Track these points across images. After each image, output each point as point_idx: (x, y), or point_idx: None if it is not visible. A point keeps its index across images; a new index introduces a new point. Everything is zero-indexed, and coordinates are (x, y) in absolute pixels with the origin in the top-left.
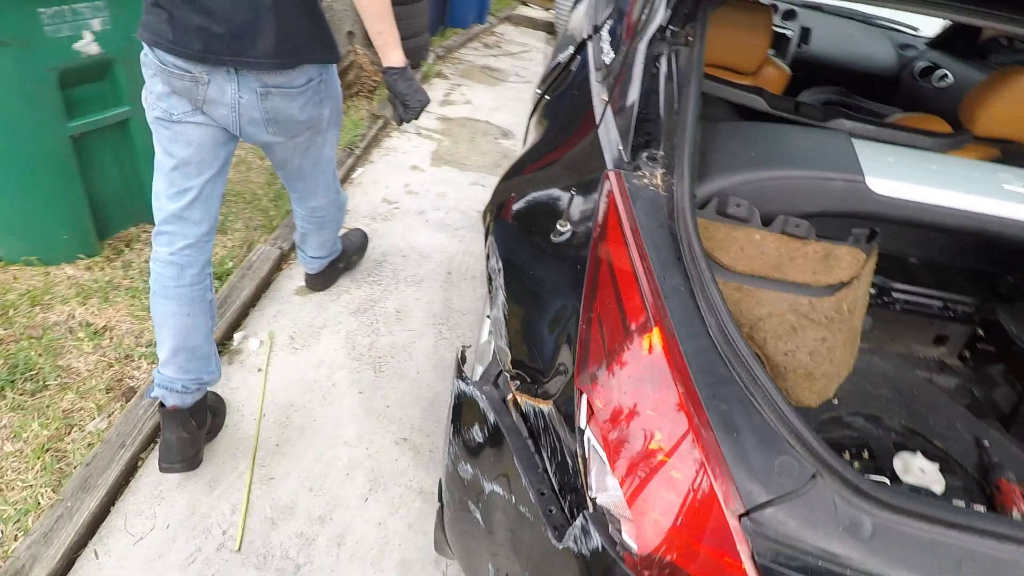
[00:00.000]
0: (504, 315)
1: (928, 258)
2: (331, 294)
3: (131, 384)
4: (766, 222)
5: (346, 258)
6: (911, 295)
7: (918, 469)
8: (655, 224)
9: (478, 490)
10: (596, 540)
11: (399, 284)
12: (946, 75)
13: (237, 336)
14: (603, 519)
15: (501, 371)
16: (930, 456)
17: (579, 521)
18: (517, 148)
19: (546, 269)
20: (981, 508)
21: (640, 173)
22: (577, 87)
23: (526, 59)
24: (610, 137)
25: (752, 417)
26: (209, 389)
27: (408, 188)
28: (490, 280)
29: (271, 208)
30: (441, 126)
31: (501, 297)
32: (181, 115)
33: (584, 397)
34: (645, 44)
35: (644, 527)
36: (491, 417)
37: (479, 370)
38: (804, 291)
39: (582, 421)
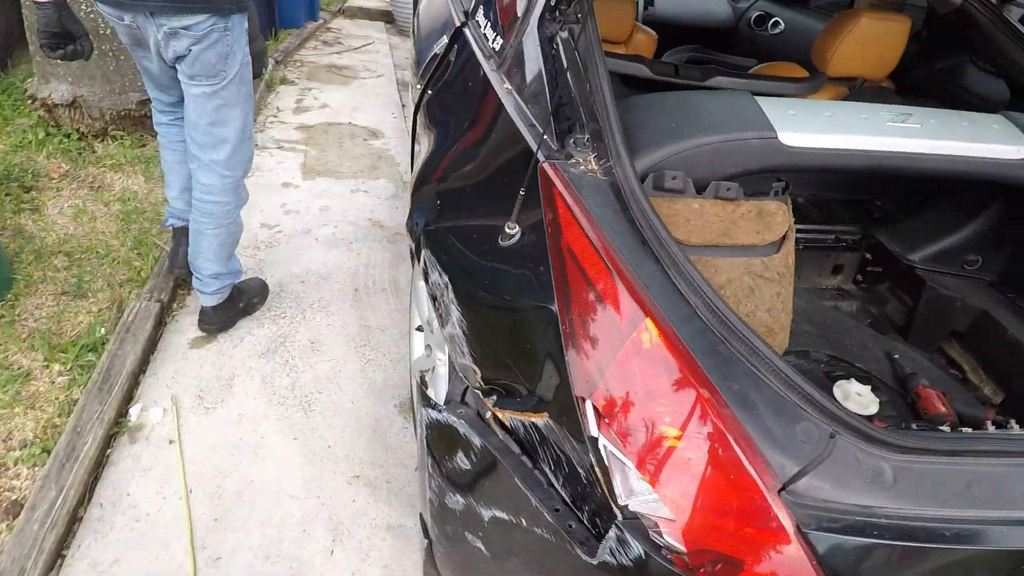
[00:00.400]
0: (464, 331)
1: (812, 196)
2: (232, 339)
3: (13, 497)
4: (697, 189)
5: (246, 298)
6: (809, 233)
7: (855, 394)
8: (609, 211)
9: (476, 519)
10: (636, 548)
11: (305, 313)
12: (778, 22)
13: (133, 411)
14: (639, 525)
15: (467, 388)
16: (859, 379)
17: (613, 532)
18: (390, 147)
19: (502, 276)
20: (968, 430)
21: (574, 160)
22: (469, 78)
23: (372, 52)
24: (529, 126)
25: (762, 390)
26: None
27: (286, 208)
28: (435, 298)
29: (134, 258)
30: (302, 135)
31: (455, 313)
32: (141, 57)
33: (588, 404)
34: (535, 26)
35: (687, 524)
36: (476, 441)
37: (429, 392)
38: (754, 252)
39: (592, 429)
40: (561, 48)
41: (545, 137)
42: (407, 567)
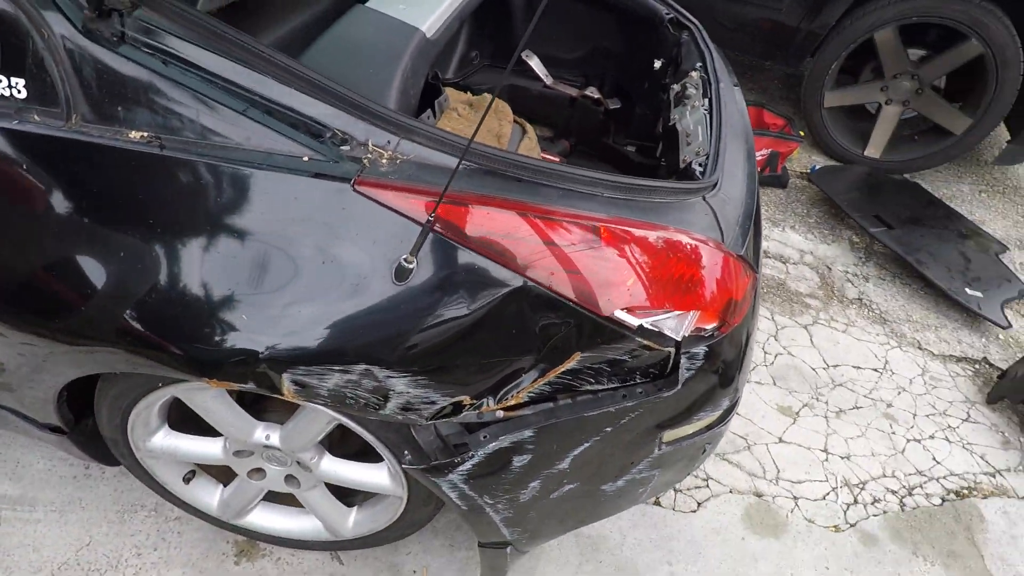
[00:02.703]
0: (424, 385)
1: None
2: None
3: None
4: None
5: None
6: None
7: None
8: (465, 179)
9: (555, 479)
10: (700, 351)
11: None
12: None
13: None
14: (688, 341)
15: (435, 429)
16: None
17: (683, 361)
18: None
19: (435, 307)
20: None
21: (371, 161)
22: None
23: None
24: (281, 163)
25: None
26: None
27: None
28: (343, 398)
29: None
30: None
31: (399, 385)
32: None
33: (618, 312)
34: (84, 40)
35: (713, 307)
36: (526, 434)
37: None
38: (517, 136)
39: (633, 323)
40: (164, 45)
41: (308, 159)
42: None
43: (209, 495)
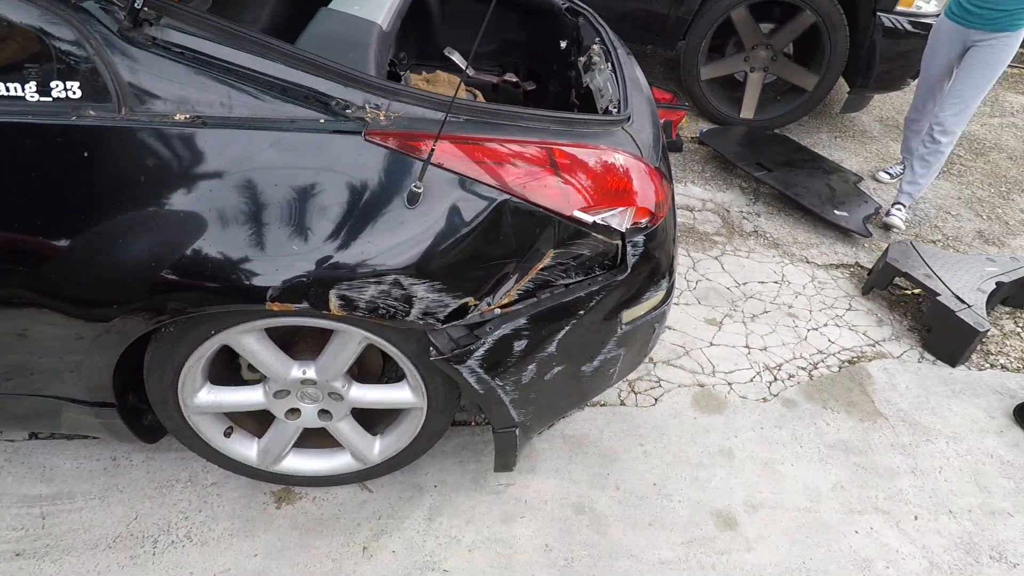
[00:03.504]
0: (438, 289)
1: None
2: None
3: None
4: None
5: None
6: None
7: None
8: (455, 124)
9: (546, 362)
10: (640, 240)
11: None
12: None
13: None
14: (630, 232)
15: (447, 330)
16: None
17: (629, 248)
18: None
19: (444, 224)
20: None
21: (372, 118)
22: (76, 159)
23: None
24: (297, 115)
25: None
26: None
27: None
28: (375, 309)
29: None
30: None
31: (420, 290)
32: None
33: (576, 213)
34: (120, 43)
35: (644, 204)
36: (521, 322)
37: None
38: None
39: (588, 219)
40: (189, 44)
41: (323, 120)
42: None
43: (247, 447)
